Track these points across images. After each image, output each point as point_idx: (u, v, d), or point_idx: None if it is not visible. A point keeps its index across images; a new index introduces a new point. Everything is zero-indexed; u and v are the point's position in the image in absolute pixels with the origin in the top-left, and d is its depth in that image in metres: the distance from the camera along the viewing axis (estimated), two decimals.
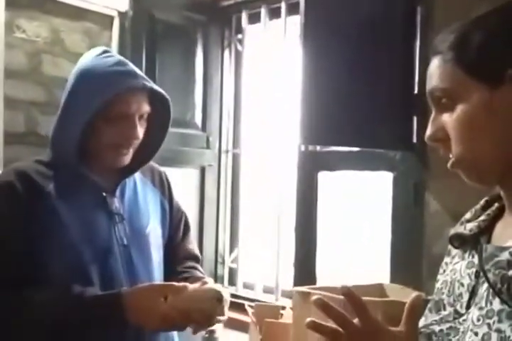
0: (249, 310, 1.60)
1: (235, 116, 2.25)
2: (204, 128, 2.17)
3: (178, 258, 1.20)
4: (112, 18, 2.37)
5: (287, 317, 1.57)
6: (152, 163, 1.24)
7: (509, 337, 0.54)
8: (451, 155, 0.64)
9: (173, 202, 1.22)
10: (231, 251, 2.24)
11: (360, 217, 1.76)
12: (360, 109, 1.48)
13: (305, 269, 1.79)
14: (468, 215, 0.70)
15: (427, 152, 1.49)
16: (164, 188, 1.22)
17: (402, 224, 1.59)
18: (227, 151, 2.26)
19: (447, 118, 0.63)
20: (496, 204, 0.68)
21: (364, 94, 1.48)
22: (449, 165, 0.65)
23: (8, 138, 2.03)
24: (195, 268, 1.20)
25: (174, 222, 1.22)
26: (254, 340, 1.51)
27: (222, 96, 2.22)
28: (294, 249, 1.85)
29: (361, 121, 1.49)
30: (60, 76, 2.22)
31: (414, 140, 1.54)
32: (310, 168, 1.82)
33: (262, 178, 2.20)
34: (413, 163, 1.57)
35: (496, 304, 0.58)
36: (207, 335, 1.70)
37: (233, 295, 2.12)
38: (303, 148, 1.83)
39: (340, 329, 0.60)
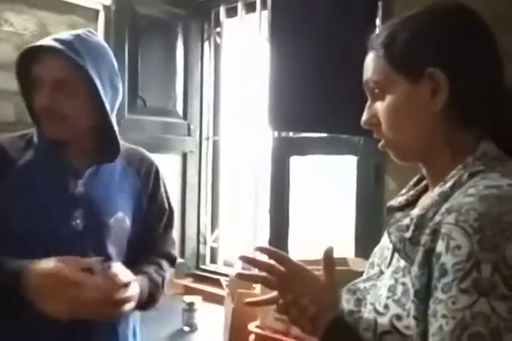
0: (224, 283, 1.75)
1: (214, 105, 2.37)
2: (185, 116, 2.29)
3: (148, 256, 1.11)
4: (97, 11, 2.47)
5: (259, 289, 1.71)
6: (145, 154, 1.17)
7: (409, 289, 0.65)
8: (382, 138, 0.75)
9: (156, 197, 1.12)
10: (212, 231, 2.38)
11: (327, 196, 1.90)
12: (326, 98, 1.60)
13: (279, 246, 1.93)
14: (403, 190, 0.82)
15: None
16: (149, 181, 1.12)
17: (365, 202, 1.73)
18: (207, 138, 2.38)
19: (379, 106, 0.72)
20: (424, 182, 0.79)
21: (329, 83, 1.60)
22: (379, 145, 0.77)
23: None
24: (157, 264, 1.10)
25: (152, 218, 1.12)
26: (228, 309, 1.65)
27: (202, 86, 2.34)
28: (268, 227, 1.99)
29: (326, 108, 1.61)
30: None
31: None
32: (283, 153, 1.95)
33: (239, 163, 2.33)
34: (374, 148, 1.69)
35: (402, 262, 0.69)
36: (187, 307, 1.84)
37: (214, 272, 2.28)
38: (276, 134, 1.96)
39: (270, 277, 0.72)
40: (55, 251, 0.93)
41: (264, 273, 0.74)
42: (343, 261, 1.65)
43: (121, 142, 1.08)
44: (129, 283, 0.93)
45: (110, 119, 1.03)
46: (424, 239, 0.63)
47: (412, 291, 0.63)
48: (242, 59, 2.27)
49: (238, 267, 2.24)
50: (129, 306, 0.93)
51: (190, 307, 1.83)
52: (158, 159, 2.19)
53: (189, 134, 2.30)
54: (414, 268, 0.64)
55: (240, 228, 2.30)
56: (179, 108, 2.27)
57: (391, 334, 0.65)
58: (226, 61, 2.33)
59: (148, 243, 1.11)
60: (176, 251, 1.18)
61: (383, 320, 0.67)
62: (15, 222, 0.97)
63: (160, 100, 2.19)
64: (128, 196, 1.08)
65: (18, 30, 2.21)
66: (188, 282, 2.30)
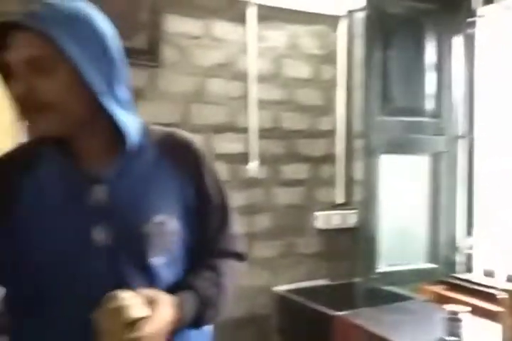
0: (502, 298, 1.59)
1: (469, 101, 2.21)
2: (436, 114, 2.19)
3: (205, 256, 0.95)
4: (339, 18, 2.55)
5: None
6: (182, 137, 0.95)
7: None
8: None
9: (202, 188, 0.93)
10: (467, 237, 2.22)
11: None
12: None
13: None
14: None
15: None
16: (190, 170, 0.92)
17: None
18: (461, 137, 2.23)
19: None
20: None
21: None
22: None
23: (260, 133, 2.39)
24: (213, 269, 0.93)
25: (202, 214, 0.94)
26: (506, 326, 1.50)
27: (454, 82, 2.21)
28: None
29: None
30: (299, 77, 2.50)
31: None
32: None
33: (499, 163, 2.12)
34: None
35: None
36: (451, 316, 1.75)
37: (468, 282, 2.12)
38: None
39: None
40: (81, 275, 0.83)
41: None
42: None
43: (152, 129, 0.93)
44: (141, 319, 0.76)
45: (104, 104, 0.81)
46: None
47: None
48: (501, 50, 2.06)
49: (501, 278, 2.04)
50: None
51: (454, 317, 1.73)
52: (405, 160, 2.17)
53: (440, 133, 2.19)
54: None
55: (499, 234, 2.08)
56: (429, 106, 2.18)
57: None
58: (480, 53, 2.15)
59: (204, 242, 0.94)
60: (240, 246, 1.00)
61: None
62: (30, 247, 0.83)
63: (409, 99, 2.14)
64: (168, 193, 0.89)
65: (273, 45, 2.43)
66: (439, 289, 2.19)
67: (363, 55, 2.10)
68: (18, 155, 0.87)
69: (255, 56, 2.35)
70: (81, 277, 0.83)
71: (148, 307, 0.78)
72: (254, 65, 2.35)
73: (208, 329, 1.00)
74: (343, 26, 2.56)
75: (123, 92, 0.86)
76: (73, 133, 0.84)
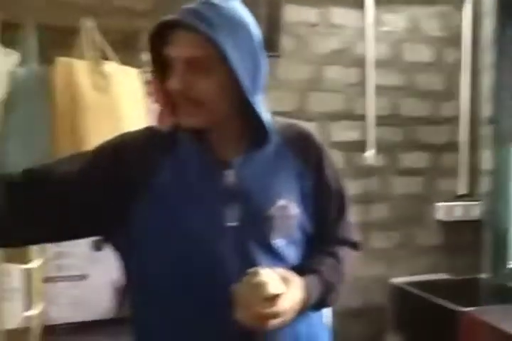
0: None
1: None
2: None
3: (323, 245, 0.99)
4: None
5: None
6: (302, 128, 1.00)
7: None
8: None
9: (322, 177, 0.98)
10: None
11: None
12: None
13: None
14: None
15: None
16: (310, 159, 0.97)
17: None
18: None
19: None
20: None
21: None
22: None
23: (377, 120, 2.33)
24: (333, 256, 0.98)
25: (321, 201, 0.98)
26: None
27: None
28: None
29: None
30: (419, 61, 2.39)
31: None
32: None
33: None
34: None
35: None
36: None
37: None
38: None
39: None
40: (208, 250, 0.88)
41: None
42: None
43: (276, 119, 0.95)
44: (277, 296, 0.79)
45: (252, 102, 0.86)
46: None
47: None
48: None
49: None
50: (274, 322, 0.80)
51: None
52: None
53: None
54: None
55: None
56: None
57: None
58: None
59: (322, 229, 0.98)
60: (356, 235, 1.03)
61: None
62: (164, 224, 0.88)
63: None
64: (289, 180, 0.95)
65: (392, 29, 2.34)
66: None
67: (492, 34, 1.94)
68: (158, 137, 0.91)
69: (373, 41, 2.29)
70: (211, 255, 0.88)
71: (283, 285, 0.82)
72: (372, 50, 2.29)
73: (327, 317, 1.04)
74: (468, 5, 2.39)
75: (261, 88, 0.89)
76: (213, 126, 0.90)
